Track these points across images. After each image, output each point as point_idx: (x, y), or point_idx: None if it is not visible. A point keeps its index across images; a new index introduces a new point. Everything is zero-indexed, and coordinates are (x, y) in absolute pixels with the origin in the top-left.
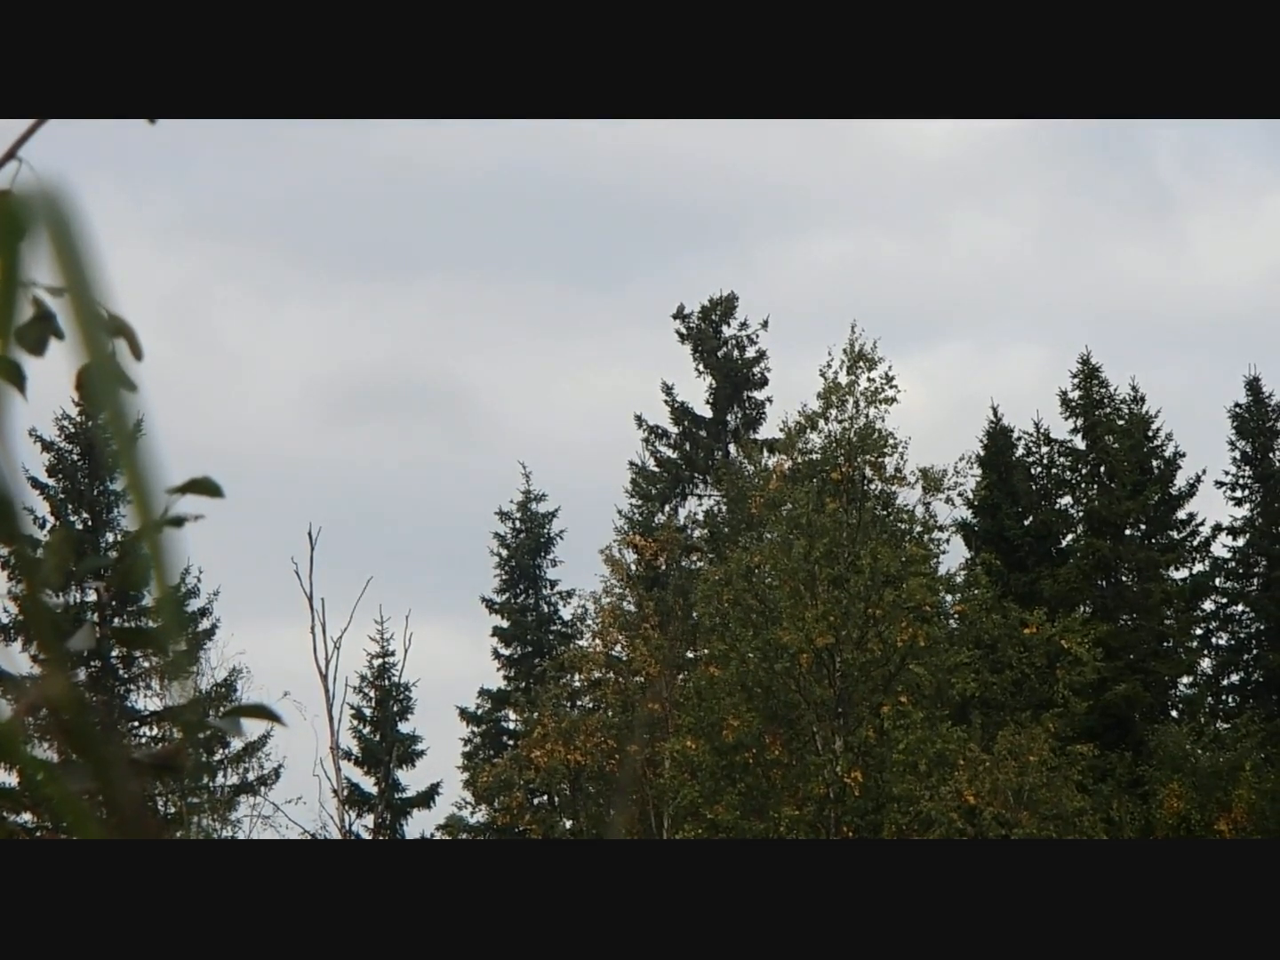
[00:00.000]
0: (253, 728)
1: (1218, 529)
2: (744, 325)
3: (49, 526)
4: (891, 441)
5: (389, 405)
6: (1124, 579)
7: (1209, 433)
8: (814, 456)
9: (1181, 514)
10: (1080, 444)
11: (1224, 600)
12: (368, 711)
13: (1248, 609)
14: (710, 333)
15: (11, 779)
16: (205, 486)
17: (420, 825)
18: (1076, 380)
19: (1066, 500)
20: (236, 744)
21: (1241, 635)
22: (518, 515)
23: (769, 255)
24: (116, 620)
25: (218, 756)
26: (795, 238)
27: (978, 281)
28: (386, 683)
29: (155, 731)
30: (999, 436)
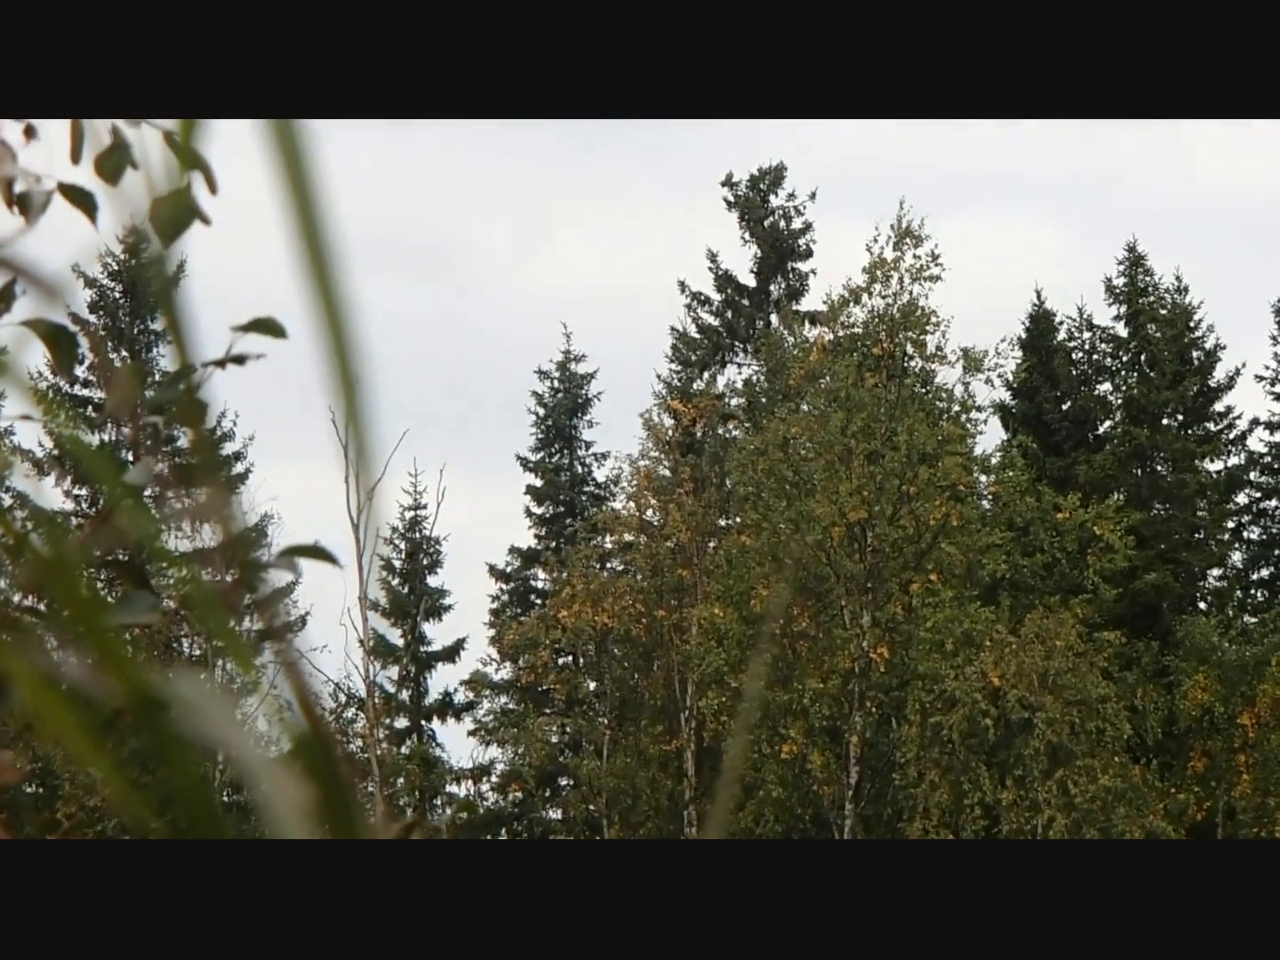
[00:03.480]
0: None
1: (1255, 423)
2: (791, 196)
3: (88, 363)
4: (934, 320)
5: (435, 260)
6: (1159, 468)
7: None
8: (855, 331)
9: (1219, 406)
10: (1122, 331)
11: (1258, 495)
12: (397, 564)
13: None
14: (758, 202)
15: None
16: (269, 327)
17: (444, 680)
18: (1122, 267)
19: (1106, 387)
20: (264, 588)
21: (1274, 530)
22: (556, 375)
23: (817, 126)
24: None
25: (245, 600)
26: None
27: (1002, 161)
28: (417, 535)
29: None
30: (1041, 320)
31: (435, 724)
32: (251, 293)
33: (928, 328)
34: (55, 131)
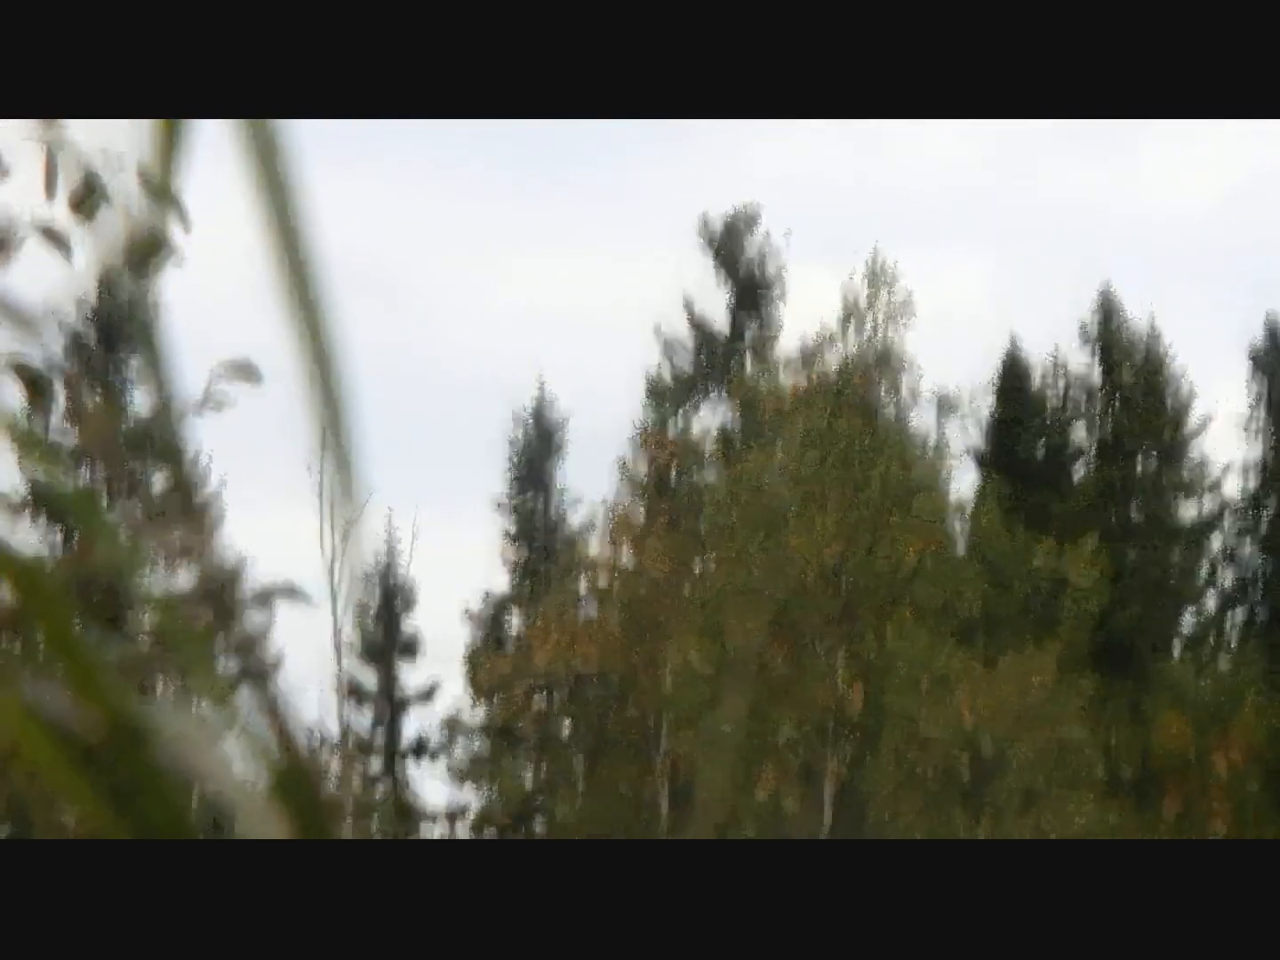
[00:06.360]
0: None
1: (1229, 466)
2: (766, 237)
3: (63, 403)
4: (909, 360)
5: (395, 296)
6: (1133, 510)
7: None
8: (830, 371)
9: (1194, 449)
10: (1096, 373)
11: (1233, 536)
12: (371, 605)
13: (1255, 547)
14: (731, 243)
15: None
16: (245, 372)
17: (418, 721)
18: (1096, 310)
19: (1080, 428)
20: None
21: (1248, 572)
22: (530, 419)
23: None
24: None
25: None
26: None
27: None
28: (391, 578)
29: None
30: (1015, 361)
31: (409, 765)
32: (229, 316)
33: (902, 369)
34: (29, 163)
